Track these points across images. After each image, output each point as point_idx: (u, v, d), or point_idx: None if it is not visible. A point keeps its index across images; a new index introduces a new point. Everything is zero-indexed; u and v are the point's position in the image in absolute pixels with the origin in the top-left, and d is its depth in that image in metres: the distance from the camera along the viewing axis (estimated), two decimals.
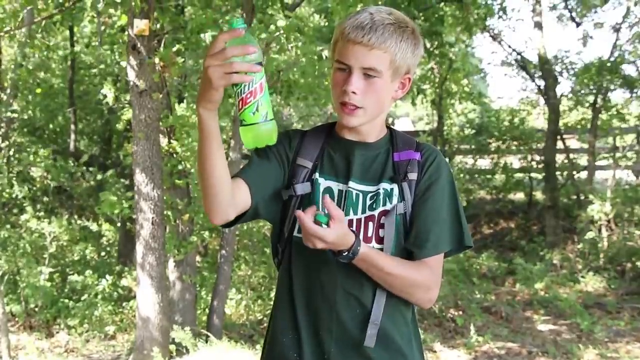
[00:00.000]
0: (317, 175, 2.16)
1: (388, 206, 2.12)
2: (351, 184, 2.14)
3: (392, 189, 2.13)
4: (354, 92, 2.04)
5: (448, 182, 2.19)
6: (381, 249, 2.11)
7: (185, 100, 8.01)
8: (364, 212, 2.13)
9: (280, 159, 2.17)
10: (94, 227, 10.95)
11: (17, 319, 8.18)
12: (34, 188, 10.48)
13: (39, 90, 12.36)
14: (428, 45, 11.94)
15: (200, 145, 1.99)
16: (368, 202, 2.12)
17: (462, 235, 2.20)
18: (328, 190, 2.15)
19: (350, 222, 2.11)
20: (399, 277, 2.11)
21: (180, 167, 7.08)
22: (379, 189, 2.13)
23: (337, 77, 2.08)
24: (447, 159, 14.09)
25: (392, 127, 2.26)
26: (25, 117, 12.62)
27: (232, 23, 1.82)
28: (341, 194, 2.15)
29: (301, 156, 2.19)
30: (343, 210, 2.10)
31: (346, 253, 2.00)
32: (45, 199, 11.50)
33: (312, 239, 1.94)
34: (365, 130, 2.17)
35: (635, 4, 12.78)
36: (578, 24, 13.71)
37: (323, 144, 2.22)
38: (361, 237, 2.09)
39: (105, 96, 6.93)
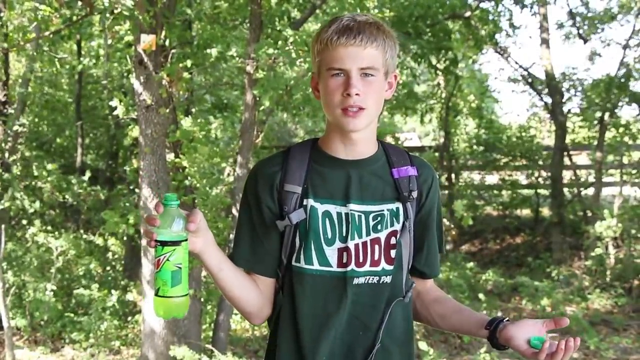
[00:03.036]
0: (311, 200, 2.11)
1: (396, 226, 2.11)
2: (352, 205, 2.10)
3: (397, 209, 2.12)
4: (357, 94, 2.00)
5: (439, 199, 2.25)
6: (392, 270, 2.12)
7: (191, 115, 8.01)
8: (368, 234, 2.09)
9: (274, 223, 2.13)
10: (99, 241, 10.96)
11: (22, 333, 8.17)
12: (42, 202, 10.47)
13: (45, 112, 12.42)
14: (434, 61, 11.95)
15: (216, 280, 2.10)
16: (371, 223, 2.09)
17: (441, 243, 2.29)
18: (327, 214, 2.10)
19: (356, 246, 2.08)
20: None
21: (186, 182, 7.08)
22: (383, 209, 2.11)
23: (332, 84, 2.04)
24: (452, 175, 14.10)
25: (380, 139, 2.23)
26: (32, 130, 12.65)
27: (164, 198, 1.93)
28: (341, 217, 2.10)
29: (288, 182, 2.12)
30: (347, 235, 2.09)
31: None
32: (52, 213, 11.51)
33: None
34: (362, 143, 2.13)
35: None
36: (585, 41, 13.71)
37: (309, 163, 2.15)
38: (368, 260, 2.08)
39: (113, 109, 6.95)
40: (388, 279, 2.11)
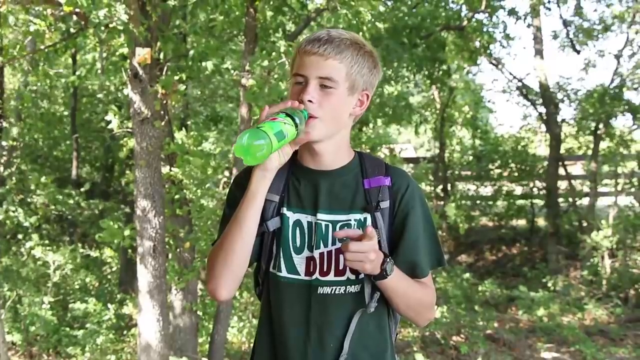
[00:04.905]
0: (284, 209, 2.16)
1: None
2: (320, 215, 2.13)
3: (365, 219, 2.13)
4: (310, 101, 2.05)
5: (423, 207, 2.20)
6: (359, 280, 2.13)
7: (186, 128, 8.01)
8: (334, 243, 2.12)
9: None
10: (95, 254, 10.93)
11: (17, 347, 8.13)
12: (37, 216, 10.45)
13: (40, 124, 12.41)
14: (429, 71, 11.99)
15: (245, 206, 2.07)
16: None
17: (440, 256, 2.23)
18: (297, 223, 2.15)
19: (321, 255, 2.12)
20: (415, 298, 2.16)
21: (182, 193, 7.08)
22: (349, 219, 2.13)
23: (293, 90, 2.10)
24: (448, 185, 14.06)
25: (360, 151, 2.26)
26: (28, 144, 12.65)
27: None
28: (310, 226, 2.14)
29: (268, 190, 2.15)
30: (313, 244, 2.12)
31: (386, 265, 2.01)
32: (48, 226, 11.48)
33: (363, 255, 1.94)
34: (327, 155, 2.16)
35: (636, 33, 12.83)
36: (578, 52, 13.76)
37: (287, 174, 2.20)
38: (332, 270, 2.11)
39: (109, 122, 6.95)
40: (354, 289, 2.13)
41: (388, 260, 2.03)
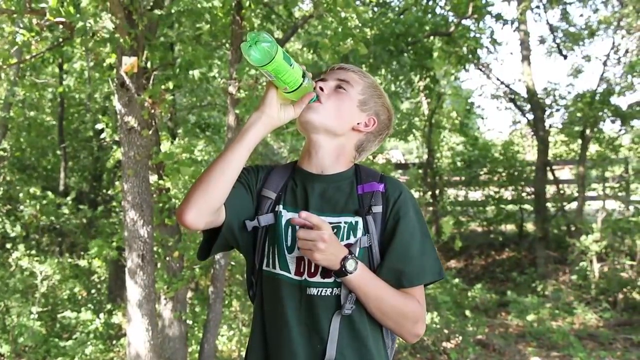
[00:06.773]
0: (280, 207, 2.20)
1: (352, 239, 2.14)
2: None
3: (356, 222, 2.16)
4: (321, 89, 2.21)
5: (417, 216, 2.21)
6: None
7: (177, 137, 7.98)
8: None
9: (249, 189, 2.22)
10: (84, 263, 10.88)
11: (6, 359, 8.09)
12: (22, 226, 10.39)
13: (29, 134, 12.36)
14: (416, 79, 12.00)
15: (234, 141, 2.11)
16: None
17: (440, 269, 2.22)
18: (290, 222, 2.16)
19: None
20: (390, 304, 2.13)
21: (171, 202, 7.06)
22: (340, 221, 2.15)
23: None
24: (437, 191, 14.05)
25: (357, 163, 2.32)
26: (16, 154, 12.59)
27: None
28: (302, 227, 2.12)
29: (266, 187, 2.23)
30: None
31: (346, 261, 2.04)
32: (36, 236, 11.43)
33: (311, 243, 1.99)
34: (325, 155, 2.24)
35: (622, 37, 12.91)
36: (565, 57, 13.82)
37: (288, 176, 2.28)
38: (320, 271, 2.12)
39: (97, 131, 6.91)
40: (339, 291, 2.13)
41: (349, 257, 2.04)
